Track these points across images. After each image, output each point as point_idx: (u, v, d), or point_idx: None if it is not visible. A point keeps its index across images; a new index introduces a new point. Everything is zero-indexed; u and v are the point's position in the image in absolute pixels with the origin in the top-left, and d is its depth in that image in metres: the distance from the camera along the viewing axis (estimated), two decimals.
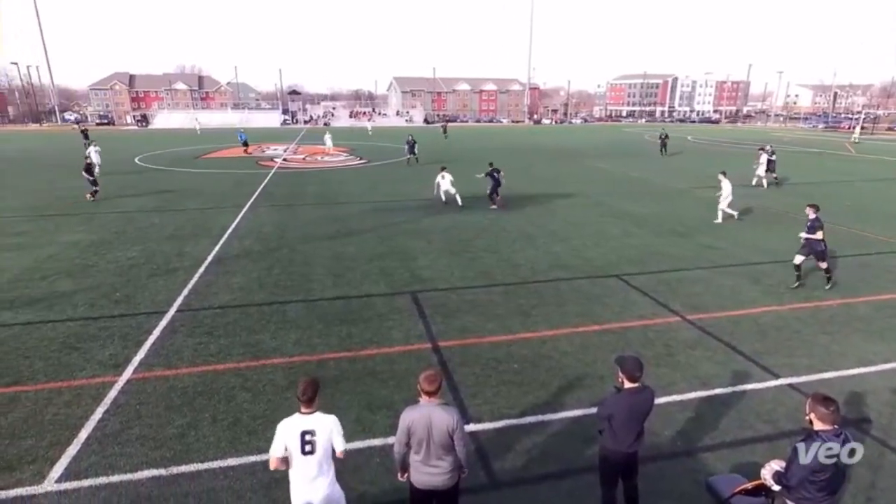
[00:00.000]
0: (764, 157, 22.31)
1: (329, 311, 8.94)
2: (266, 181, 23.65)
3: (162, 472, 5.10)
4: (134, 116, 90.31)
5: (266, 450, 5.39)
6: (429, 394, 3.76)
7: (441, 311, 8.98)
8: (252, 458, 5.27)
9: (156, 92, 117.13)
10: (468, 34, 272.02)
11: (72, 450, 5.40)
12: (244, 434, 5.68)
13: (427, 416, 3.71)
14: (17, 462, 5.22)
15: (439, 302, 9.38)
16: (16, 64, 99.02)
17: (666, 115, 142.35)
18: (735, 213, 15.99)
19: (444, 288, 10.11)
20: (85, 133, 22.00)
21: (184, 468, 5.15)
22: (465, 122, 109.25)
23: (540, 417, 6.01)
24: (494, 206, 17.66)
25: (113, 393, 6.43)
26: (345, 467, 5.11)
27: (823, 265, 9.97)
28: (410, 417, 3.74)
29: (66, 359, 7.27)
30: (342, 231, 14.54)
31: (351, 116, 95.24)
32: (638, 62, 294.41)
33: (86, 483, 4.95)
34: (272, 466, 3.73)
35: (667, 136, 37.41)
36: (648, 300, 9.52)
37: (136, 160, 32.46)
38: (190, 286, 10.10)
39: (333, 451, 3.78)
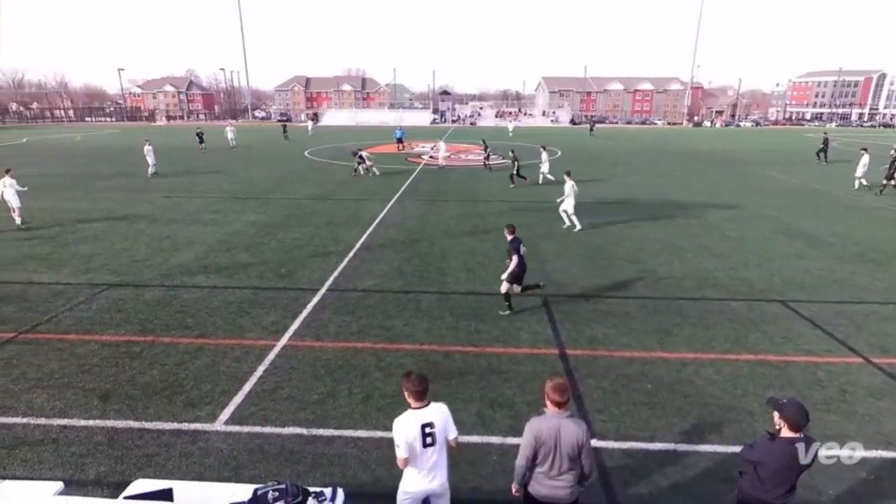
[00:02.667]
0: (865, 159, 21.71)
1: (460, 305, 9.20)
2: (413, 177, 25.06)
3: (304, 431, 5.73)
4: (307, 114, 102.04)
5: (392, 427, 5.77)
6: (557, 404, 3.64)
7: (571, 317, 8.71)
8: (379, 434, 5.66)
9: (326, 93, 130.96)
10: (625, 31, 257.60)
11: (237, 399, 6.33)
12: (374, 410, 6.12)
13: (556, 427, 3.60)
14: (198, 401, 6.28)
15: (570, 308, 9.10)
16: (223, 70, 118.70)
17: (865, 118, 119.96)
18: (577, 224, 14.55)
19: (576, 294, 9.77)
20: (358, 155, 24.65)
21: (321, 431, 5.72)
22: (615, 124, 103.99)
23: (672, 446, 5.51)
24: (513, 186, 21.88)
25: (271, 355, 7.39)
26: (462, 460, 5.24)
27: (517, 289, 8.78)
28: (538, 428, 3.63)
29: (240, 321, 8.53)
30: (479, 228, 14.84)
31: (497, 116, 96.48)
32: (830, 57, 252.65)
33: (245, 429, 5.77)
34: (401, 466, 3.77)
35: (827, 141, 32.70)
36: (821, 334, 8.15)
37: (306, 153, 36.62)
38: (340, 269, 11.15)
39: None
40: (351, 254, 12.25)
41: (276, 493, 3.28)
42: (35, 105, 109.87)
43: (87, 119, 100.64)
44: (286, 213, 16.82)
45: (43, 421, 5.88)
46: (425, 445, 3.69)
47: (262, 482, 3.53)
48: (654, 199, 19.79)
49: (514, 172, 22.28)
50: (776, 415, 3.57)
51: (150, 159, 24.89)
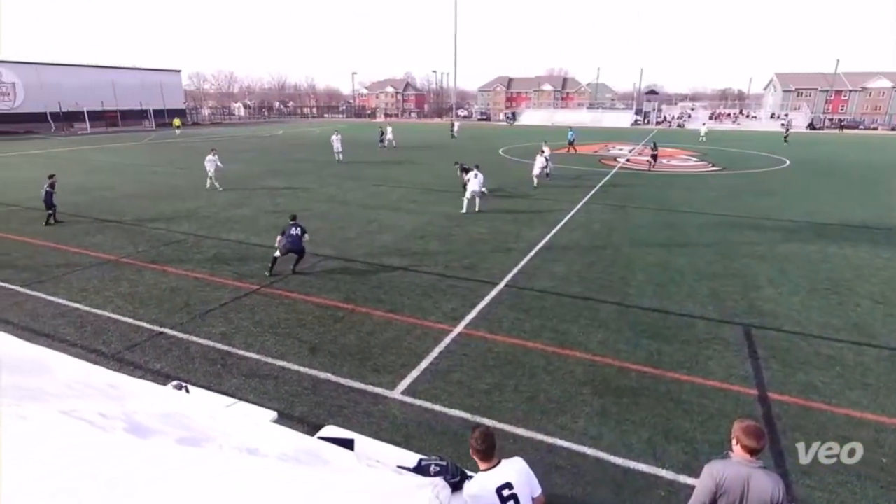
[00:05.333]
0: None
1: (642, 321, 8.55)
2: (605, 180, 23.99)
3: (468, 416, 5.99)
4: (504, 114, 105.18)
5: (554, 432, 5.68)
6: (750, 451, 3.14)
7: (781, 357, 7.39)
8: (539, 437, 5.62)
9: (525, 93, 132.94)
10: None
11: (414, 373, 6.91)
12: (538, 412, 6.08)
13: (744, 477, 3.12)
14: (382, 368, 7.04)
15: (781, 346, 7.72)
16: (435, 72, 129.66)
17: None
18: (470, 206, 16.40)
19: (791, 330, 8.25)
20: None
21: (484, 420, 5.90)
22: (872, 129, 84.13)
23: None
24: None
25: (447, 339, 7.87)
26: (627, 486, 4.90)
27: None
28: (721, 474, 3.19)
29: (424, 303, 9.27)
30: (675, 240, 13.53)
31: (712, 118, 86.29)
32: None
33: (417, 402, 6.27)
34: None
35: None
36: None
37: (500, 151, 37.81)
38: (520, 266, 11.29)
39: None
40: (532, 253, 12.30)
41: (438, 468, 3.49)
42: (291, 103, 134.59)
43: (325, 115, 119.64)
44: (474, 207, 17.63)
45: (269, 360, 7.25)
46: None
47: (426, 454, 3.79)
48: None
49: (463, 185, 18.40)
50: None
51: (336, 146, 29.61)
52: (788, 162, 32.14)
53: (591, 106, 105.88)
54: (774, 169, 28.95)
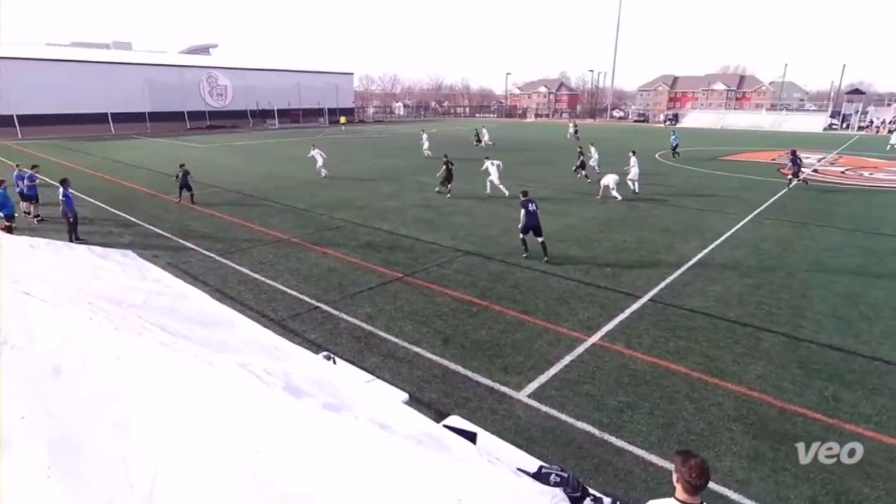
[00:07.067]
0: None
1: (816, 359, 7.32)
2: (782, 192, 20.93)
3: (595, 431, 5.72)
4: (665, 115, 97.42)
5: None
6: None
7: None
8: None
9: (693, 93, 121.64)
10: None
11: (542, 378, 6.79)
12: (674, 441, 5.58)
13: None
14: (510, 368, 7.05)
15: None
16: (592, 71, 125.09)
17: None
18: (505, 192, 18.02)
19: None
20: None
21: (612, 439, 5.59)
22: None
23: None
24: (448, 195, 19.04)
25: (580, 349, 7.58)
26: None
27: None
28: None
29: (559, 308, 9.04)
30: (872, 269, 11.29)
31: None
32: None
33: (543, 408, 6.16)
34: None
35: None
36: None
37: (657, 156, 35.13)
38: (668, 280, 10.41)
39: None
40: (684, 267, 11.25)
41: (559, 479, 3.38)
42: (445, 103, 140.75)
43: (477, 115, 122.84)
44: (623, 213, 16.68)
45: (405, 345, 7.71)
46: None
47: (547, 462, 3.71)
48: None
49: (445, 178, 19.73)
50: None
51: (426, 145, 31.71)
52: None
53: (772, 107, 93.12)
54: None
